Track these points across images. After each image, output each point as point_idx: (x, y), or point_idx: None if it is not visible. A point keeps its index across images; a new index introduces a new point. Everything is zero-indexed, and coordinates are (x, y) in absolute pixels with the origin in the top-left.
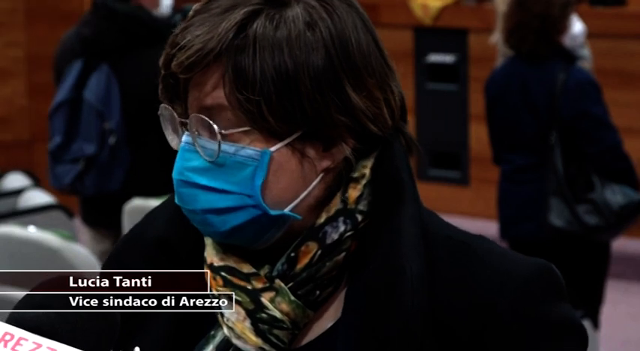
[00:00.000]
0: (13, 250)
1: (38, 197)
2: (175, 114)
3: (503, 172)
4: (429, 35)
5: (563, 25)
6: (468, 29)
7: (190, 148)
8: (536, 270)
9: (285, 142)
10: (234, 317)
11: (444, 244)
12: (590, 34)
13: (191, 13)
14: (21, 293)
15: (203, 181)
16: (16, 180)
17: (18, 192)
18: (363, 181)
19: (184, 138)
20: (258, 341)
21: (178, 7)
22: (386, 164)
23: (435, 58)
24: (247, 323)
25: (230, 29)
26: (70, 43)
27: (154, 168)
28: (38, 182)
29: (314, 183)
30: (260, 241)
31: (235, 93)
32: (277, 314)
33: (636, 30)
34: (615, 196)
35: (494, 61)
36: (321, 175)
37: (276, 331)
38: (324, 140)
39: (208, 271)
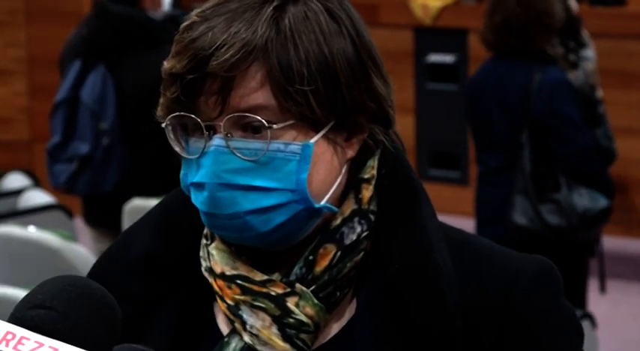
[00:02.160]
0: (13, 250)
1: (38, 197)
2: (199, 119)
3: (478, 174)
4: (429, 35)
5: (557, 24)
6: (468, 29)
7: (224, 151)
8: (539, 266)
9: (323, 132)
10: (258, 324)
11: (452, 244)
12: (590, 34)
13: (201, 10)
14: (21, 293)
15: (246, 181)
16: (16, 180)
17: (18, 192)
18: (373, 181)
19: (216, 141)
20: (286, 346)
21: (187, 6)
22: (392, 164)
23: (435, 58)
24: (274, 329)
25: (268, 25)
26: (72, 43)
27: (149, 169)
28: (38, 182)
29: (342, 173)
30: (295, 237)
31: (284, 87)
32: (304, 318)
33: (636, 30)
34: (582, 198)
35: None
36: (345, 165)
37: (302, 335)
38: (350, 129)
39: (218, 280)
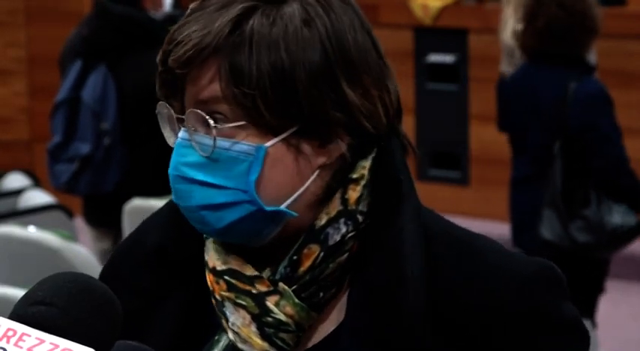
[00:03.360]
0: (13, 250)
1: (38, 197)
2: (172, 111)
3: (511, 179)
4: (429, 35)
5: (599, 26)
6: (468, 29)
7: (186, 144)
8: (539, 269)
9: (281, 137)
10: (239, 322)
11: (445, 241)
12: None
13: (188, 10)
14: (21, 293)
15: (199, 176)
16: (16, 180)
17: (18, 192)
18: (363, 182)
19: (181, 134)
20: (265, 345)
21: (187, 7)
22: (384, 165)
23: (435, 58)
24: (253, 327)
25: (226, 24)
26: (73, 43)
27: (149, 169)
28: (38, 182)
29: (310, 179)
30: (257, 238)
31: (231, 87)
32: (282, 317)
33: (636, 30)
34: (612, 215)
35: (494, 61)
36: (317, 171)
37: (281, 335)
38: (320, 136)
39: (210, 274)
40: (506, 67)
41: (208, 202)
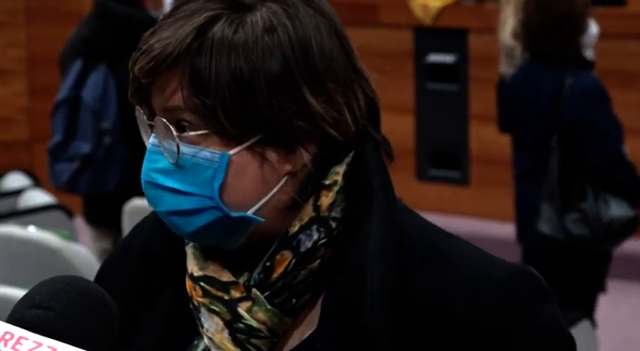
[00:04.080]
0: (13, 250)
1: (38, 197)
2: (144, 116)
3: (514, 174)
4: (429, 35)
5: (584, 25)
6: (468, 29)
7: (156, 150)
8: (510, 274)
9: (244, 146)
10: (213, 328)
11: (417, 248)
12: None
13: (161, 17)
14: (21, 293)
15: (167, 182)
16: (16, 180)
17: (18, 192)
18: (336, 188)
19: (151, 140)
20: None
21: None
22: (357, 170)
23: (435, 58)
24: (225, 333)
25: (189, 33)
26: (73, 42)
27: None
28: (38, 182)
29: (277, 186)
30: (228, 242)
31: (192, 96)
32: (254, 324)
33: (636, 30)
34: (608, 208)
35: (494, 61)
36: (284, 178)
37: (253, 341)
38: (285, 144)
39: (188, 280)
40: (506, 68)
41: (177, 208)
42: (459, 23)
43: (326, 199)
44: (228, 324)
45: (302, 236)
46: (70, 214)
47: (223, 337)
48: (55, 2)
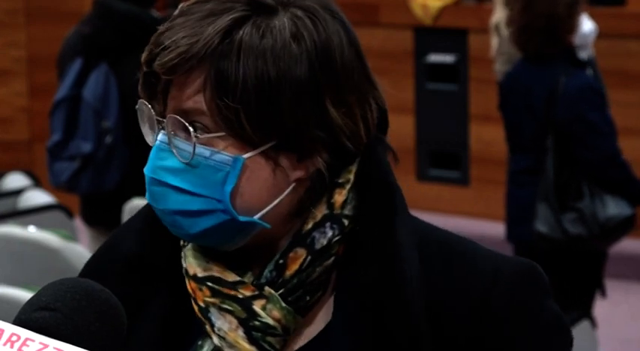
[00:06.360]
0: (13, 250)
1: (38, 197)
2: (153, 112)
3: (508, 173)
4: (429, 35)
5: (571, 25)
6: (468, 29)
7: (165, 148)
8: (521, 268)
9: (259, 150)
10: (225, 327)
11: (432, 245)
12: None
13: (176, 12)
14: (21, 293)
15: (175, 181)
16: (16, 180)
17: (18, 192)
18: (348, 186)
19: (160, 137)
20: (252, 349)
21: None
22: (372, 168)
23: (435, 58)
24: (240, 332)
25: (216, 34)
26: (72, 42)
27: None
28: (38, 182)
29: (285, 192)
30: (228, 244)
31: (215, 99)
32: (270, 321)
33: (636, 30)
34: (604, 206)
35: (494, 61)
36: (293, 185)
37: (269, 338)
38: (299, 151)
39: (191, 282)
40: (500, 67)
41: (183, 208)
42: (459, 23)
43: (339, 197)
44: (242, 322)
45: (316, 234)
46: (70, 214)
47: (237, 336)
48: (54, 2)
